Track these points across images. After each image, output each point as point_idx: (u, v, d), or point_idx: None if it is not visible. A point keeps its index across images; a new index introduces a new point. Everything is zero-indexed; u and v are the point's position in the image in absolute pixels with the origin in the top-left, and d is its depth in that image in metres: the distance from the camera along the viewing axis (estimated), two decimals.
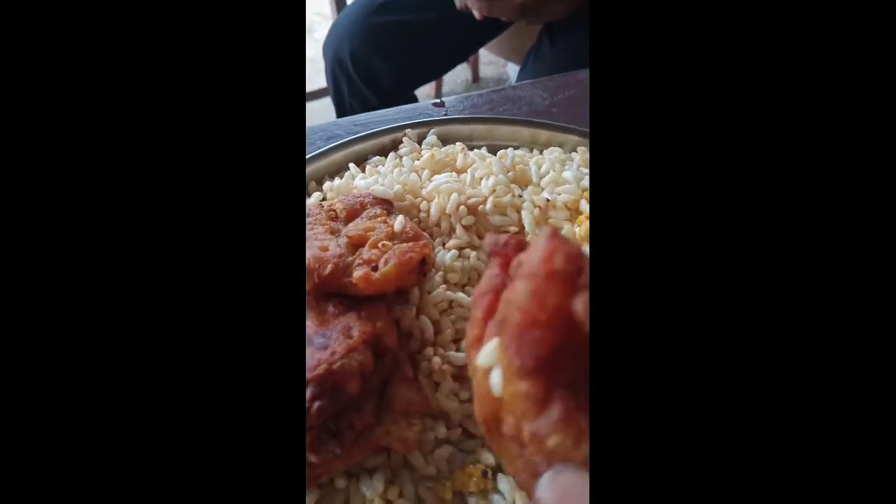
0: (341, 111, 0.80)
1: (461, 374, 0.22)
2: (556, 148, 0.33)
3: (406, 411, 0.19)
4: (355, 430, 0.18)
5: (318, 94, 1.64)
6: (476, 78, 1.94)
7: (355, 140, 0.32)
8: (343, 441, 0.18)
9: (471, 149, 0.33)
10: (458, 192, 0.27)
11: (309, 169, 0.30)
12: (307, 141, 0.35)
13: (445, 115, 0.40)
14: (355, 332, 0.19)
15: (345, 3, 1.37)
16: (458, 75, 1.66)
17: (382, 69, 0.72)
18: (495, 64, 1.89)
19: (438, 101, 0.41)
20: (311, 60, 2.18)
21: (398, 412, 0.19)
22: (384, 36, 0.69)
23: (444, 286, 0.24)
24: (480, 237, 0.26)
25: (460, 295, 0.24)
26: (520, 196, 0.27)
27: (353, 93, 0.76)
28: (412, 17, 0.68)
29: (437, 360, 0.22)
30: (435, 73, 0.78)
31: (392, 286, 0.21)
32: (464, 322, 0.23)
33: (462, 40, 0.74)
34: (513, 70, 1.73)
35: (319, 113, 1.70)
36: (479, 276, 0.26)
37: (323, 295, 0.21)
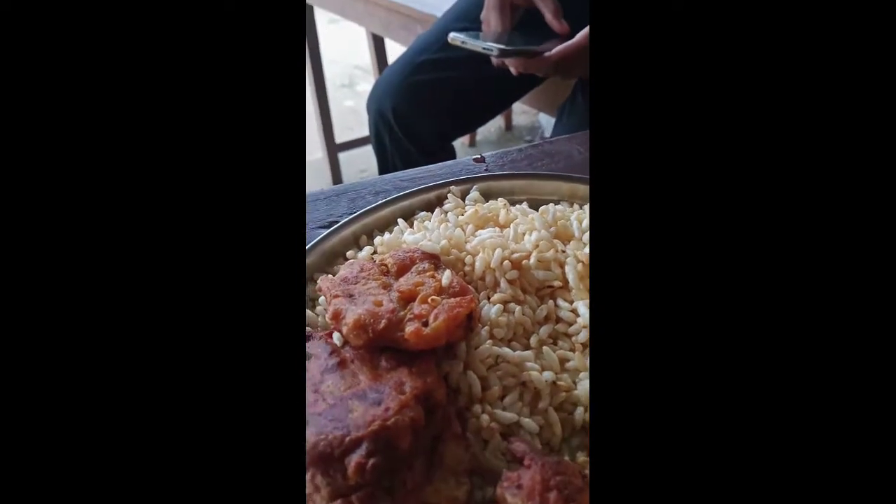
0: (383, 161, 0.84)
1: (510, 432, 0.22)
2: None
3: (455, 469, 0.20)
4: (407, 488, 0.18)
5: (361, 141, 1.73)
6: (509, 126, 1.99)
7: (403, 196, 0.33)
8: (395, 498, 0.18)
9: (513, 204, 0.34)
10: (501, 246, 0.28)
11: (359, 224, 0.32)
12: (357, 195, 0.38)
13: (486, 170, 0.41)
14: (407, 388, 0.20)
15: (385, 59, 1.46)
16: (491, 124, 1.71)
17: (423, 124, 0.75)
18: (527, 113, 1.94)
19: (479, 156, 0.43)
20: (353, 111, 2.29)
21: (448, 470, 0.19)
22: (424, 93, 0.73)
23: (490, 341, 0.24)
24: (525, 291, 0.27)
25: (506, 350, 0.24)
26: (563, 251, 0.28)
27: (395, 145, 0.79)
28: (450, 74, 0.72)
29: (485, 417, 0.22)
30: (473, 126, 0.82)
31: (442, 341, 0.21)
32: (510, 378, 0.24)
33: (499, 95, 0.77)
34: (544, 119, 1.77)
35: (360, 159, 1.79)
36: (525, 330, 0.26)
37: (376, 349, 0.22)
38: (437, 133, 0.78)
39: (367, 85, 2.36)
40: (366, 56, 1.92)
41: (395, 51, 1.41)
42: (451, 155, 0.85)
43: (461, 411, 0.22)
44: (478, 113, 0.79)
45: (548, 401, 0.23)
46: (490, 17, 0.63)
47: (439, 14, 1.01)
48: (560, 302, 0.27)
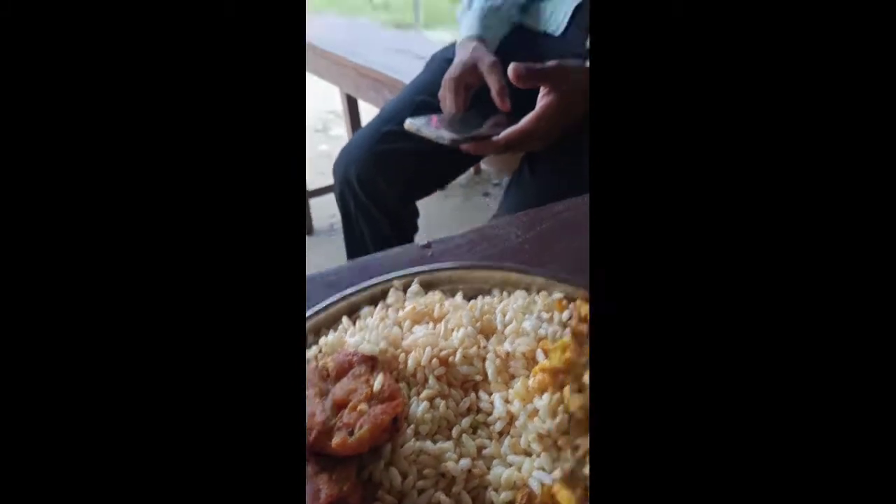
0: (347, 221, 0.88)
1: None
2: (522, 291, 0.38)
3: None
4: None
5: (328, 189, 1.77)
6: (478, 171, 2.06)
7: (349, 295, 0.38)
8: None
9: (452, 292, 0.38)
10: (432, 344, 0.32)
11: (309, 323, 0.36)
12: (311, 287, 0.41)
13: (431, 255, 0.46)
14: (322, 495, 0.23)
15: (358, 116, 1.53)
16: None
17: (386, 190, 0.80)
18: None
19: (427, 243, 0.47)
20: (327, 155, 2.34)
21: None
22: (387, 162, 0.79)
23: (414, 438, 0.28)
24: (451, 385, 0.31)
25: (428, 444, 0.28)
26: (485, 347, 0.32)
27: (359, 208, 0.84)
28: (412, 145, 0.78)
29: None
30: (434, 188, 0.87)
31: (366, 448, 0.25)
32: (429, 469, 0.27)
33: (458, 161, 0.83)
34: None
35: (332, 205, 1.84)
36: (448, 422, 0.30)
37: (307, 454, 0.25)
38: (400, 197, 0.83)
39: (340, 130, 2.42)
40: (337, 101, 1.99)
41: (365, 108, 1.48)
42: (414, 214, 0.90)
43: None
44: (439, 178, 0.85)
45: (461, 485, 0.27)
46: (445, 97, 0.70)
47: (406, 79, 1.08)
48: (481, 394, 0.31)
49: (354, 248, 0.89)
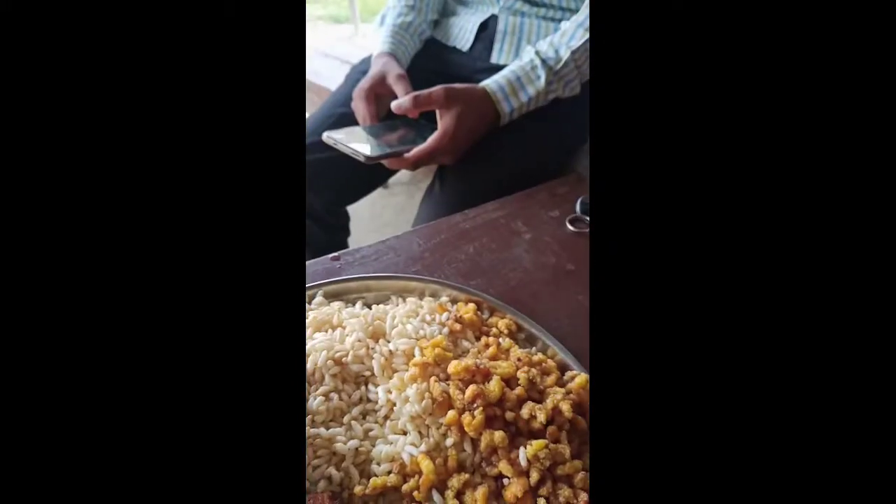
0: None
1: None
2: (415, 298, 0.45)
3: None
4: None
5: None
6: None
7: None
8: None
9: (354, 301, 0.45)
10: (328, 348, 0.38)
11: None
12: None
13: (340, 267, 0.52)
14: None
15: None
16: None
17: (313, 198, 0.85)
18: None
19: (336, 255, 0.53)
20: None
21: None
22: (312, 171, 0.83)
23: (310, 426, 0.34)
24: (344, 381, 0.37)
25: (321, 430, 0.34)
26: (373, 348, 0.39)
27: None
28: (336, 154, 0.83)
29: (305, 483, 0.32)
30: (361, 195, 0.92)
31: None
32: (323, 449, 0.34)
33: (378, 172, 0.88)
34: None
35: None
36: (342, 412, 0.36)
37: None
38: (327, 205, 0.88)
39: None
40: None
41: None
42: (345, 220, 0.95)
43: None
44: (364, 185, 0.90)
45: (350, 461, 0.34)
46: (358, 107, 0.75)
47: (331, 87, 1.12)
48: (370, 387, 0.37)
49: None
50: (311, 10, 3.45)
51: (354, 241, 0.98)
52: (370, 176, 0.89)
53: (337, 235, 0.94)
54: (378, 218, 1.83)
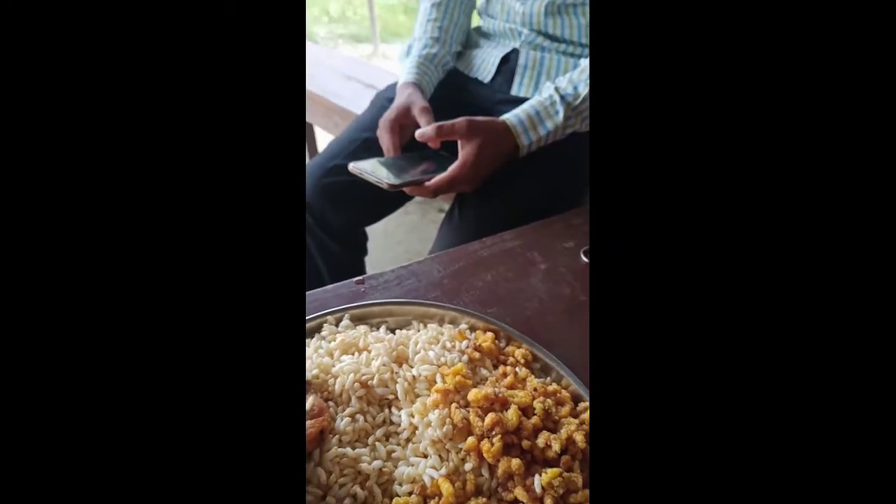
0: None
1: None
2: (435, 324, 0.47)
3: None
4: None
5: None
6: None
7: None
8: None
9: (378, 325, 0.47)
10: (354, 371, 0.40)
11: None
12: None
13: (364, 290, 0.54)
14: None
15: (314, 140, 1.59)
16: None
17: (336, 219, 0.88)
18: None
19: (360, 279, 0.55)
20: None
21: None
22: (335, 193, 0.86)
23: (337, 445, 0.36)
24: (369, 403, 0.40)
25: (347, 450, 0.36)
26: (397, 372, 0.41)
27: (311, 236, 0.91)
28: (356, 178, 0.86)
29: (331, 499, 0.34)
30: (382, 216, 0.95)
31: None
32: (349, 468, 0.36)
33: (397, 196, 0.91)
34: None
35: None
36: (366, 433, 0.38)
37: None
38: (348, 225, 0.91)
39: None
40: None
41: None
42: (364, 239, 0.98)
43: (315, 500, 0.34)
44: (385, 206, 0.93)
45: (374, 481, 0.36)
46: (383, 137, 0.78)
47: (354, 109, 1.16)
48: (393, 410, 0.40)
49: (307, 269, 0.96)
50: (332, 28, 3.54)
51: (370, 258, 1.01)
52: (390, 199, 0.92)
53: (355, 254, 0.97)
54: (392, 235, 1.86)
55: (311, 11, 3.65)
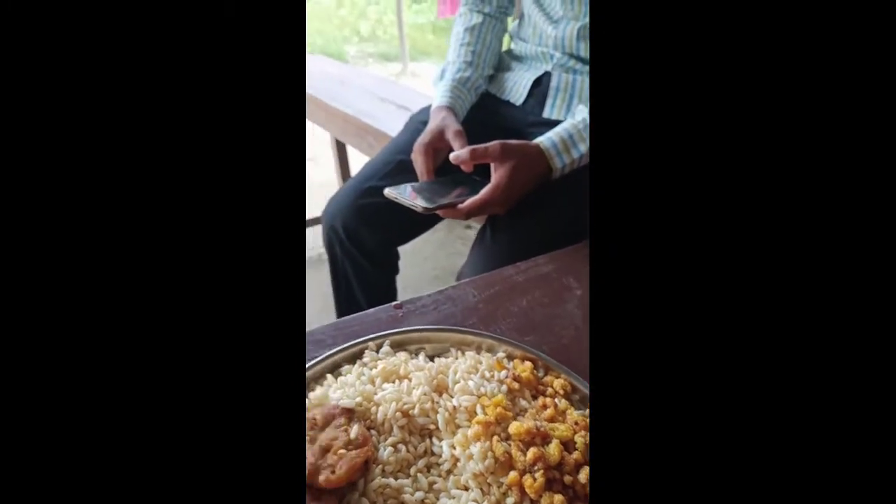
0: (333, 264, 0.97)
1: None
2: (473, 352, 0.47)
3: None
4: None
5: (316, 221, 1.84)
6: None
7: (332, 354, 0.47)
8: None
9: (417, 352, 0.48)
10: (396, 400, 0.41)
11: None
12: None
13: (402, 315, 0.55)
14: None
15: (346, 159, 1.62)
16: None
17: (369, 238, 0.90)
18: None
19: (398, 303, 0.56)
20: (316, 185, 2.41)
21: None
22: (370, 214, 0.88)
23: (381, 475, 0.37)
24: (411, 433, 0.40)
25: (391, 480, 0.37)
26: (438, 402, 0.42)
27: (344, 253, 0.93)
28: (390, 200, 0.87)
29: None
30: (415, 235, 0.96)
31: (344, 482, 0.34)
32: (392, 499, 0.36)
33: (430, 217, 0.93)
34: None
35: (316, 237, 1.90)
36: (408, 463, 0.39)
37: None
38: (382, 244, 0.92)
39: (329, 159, 2.52)
40: (327, 139, 2.05)
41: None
42: (396, 259, 1.00)
43: None
44: (417, 226, 0.95)
45: None
46: (417, 160, 0.80)
47: (387, 130, 1.18)
48: (434, 440, 0.40)
49: (340, 286, 0.98)
50: (363, 47, 3.64)
51: (399, 273, 1.03)
52: (422, 220, 0.93)
53: (388, 273, 0.99)
54: (419, 252, 1.88)
55: (342, 31, 3.76)
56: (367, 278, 0.95)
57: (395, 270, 1.00)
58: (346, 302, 0.98)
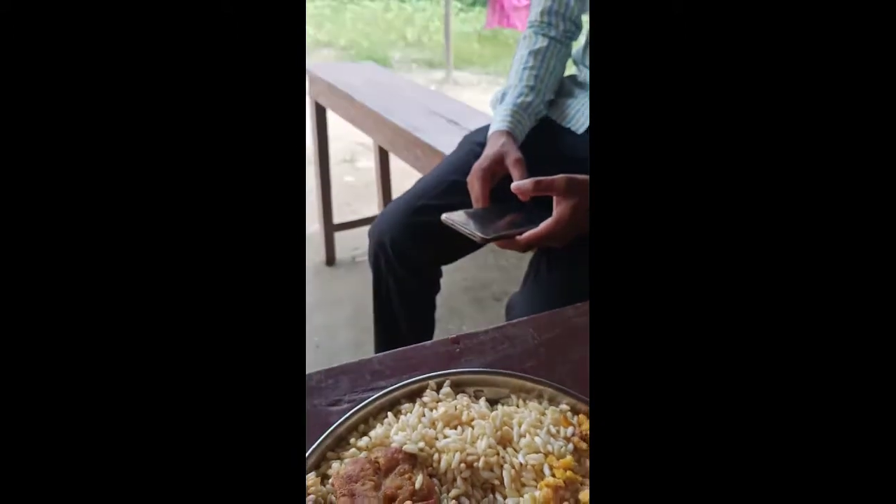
0: (377, 277, 0.96)
1: None
2: (535, 402, 0.46)
3: None
4: None
5: (357, 223, 1.84)
6: None
7: (391, 391, 0.46)
8: None
9: (477, 395, 0.46)
10: (460, 450, 0.40)
11: (357, 416, 0.44)
12: (357, 375, 0.50)
13: (458, 351, 0.54)
14: None
15: (388, 168, 1.62)
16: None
17: (417, 255, 0.89)
18: None
19: (455, 337, 0.55)
20: (352, 187, 2.43)
21: None
22: (420, 231, 0.87)
23: None
24: (474, 486, 0.39)
25: None
26: (502, 456, 0.40)
27: (389, 267, 0.93)
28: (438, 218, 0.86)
29: None
30: (458, 257, 0.95)
31: None
32: None
33: None
34: None
35: (354, 239, 1.91)
36: None
37: None
38: (428, 262, 0.91)
39: (367, 162, 2.54)
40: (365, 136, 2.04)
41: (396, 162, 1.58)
42: (439, 276, 0.99)
43: None
44: (462, 250, 0.93)
45: None
46: (474, 186, 0.78)
47: (436, 146, 1.18)
48: (498, 496, 0.39)
49: (381, 298, 0.97)
50: (408, 52, 3.66)
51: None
52: (472, 243, 0.92)
53: (430, 288, 0.98)
54: (456, 267, 1.87)
55: (388, 36, 3.78)
56: (408, 293, 0.94)
57: (438, 288, 1.00)
58: (384, 314, 0.97)
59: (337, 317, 1.58)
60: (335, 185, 1.88)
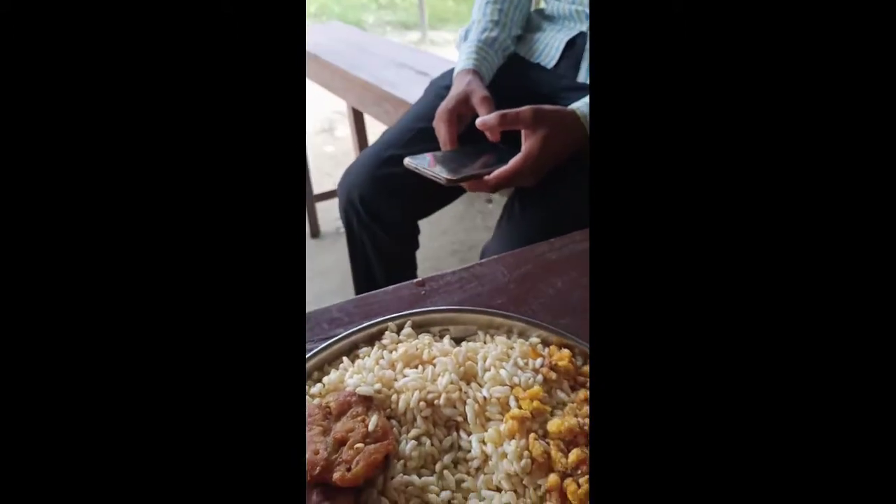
0: (351, 239, 0.93)
1: None
2: (503, 336, 0.43)
3: None
4: None
5: (334, 194, 1.80)
6: None
7: (348, 335, 0.42)
8: None
9: (441, 334, 0.43)
10: (419, 388, 0.37)
11: (313, 361, 0.40)
12: (315, 324, 0.46)
13: (424, 293, 0.51)
14: None
15: (361, 114, 1.57)
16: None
17: (389, 210, 0.85)
18: None
19: (420, 280, 0.52)
20: (332, 157, 2.37)
21: None
22: (389, 184, 0.83)
23: (402, 472, 0.33)
24: (435, 425, 0.36)
25: (414, 478, 0.33)
26: (465, 392, 0.37)
27: (362, 227, 0.89)
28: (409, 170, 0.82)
29: None
30: (436, 208, 0.91)
31: (361, 481, 0.30)
32: (416, 498, 0.32)
33: (452, 189, 0.87)
34: None
35: (335, 209, 1.87)
36: (433, 458, 0.35)
37: (312, 484, 0.31)
38: (402, 217, 0.87)
39: (346, 130, 2.46)
40: (342, 103, 1.99)
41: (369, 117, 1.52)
42: (416, 232, 0.95)
43: None
44: (440, 199, 0.89)
45: None
46: (440, 128, 0.74)
47: (407, 98, 1.12)
48: (462, 434, 0.36)
49: (358, 261, 0.94)
50: (381, 14, 3.52)
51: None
52: (444, 192, 0.88)
53: (408, 247, 0.94)
54: (437, 224, 1.83)
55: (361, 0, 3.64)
56: (386, 253, 0.90)
57: (416, 245, 0.96)
58: (364, 278, 0.94)
59: (324, 288, 1.55)
60: (316, 156, 1.83)
